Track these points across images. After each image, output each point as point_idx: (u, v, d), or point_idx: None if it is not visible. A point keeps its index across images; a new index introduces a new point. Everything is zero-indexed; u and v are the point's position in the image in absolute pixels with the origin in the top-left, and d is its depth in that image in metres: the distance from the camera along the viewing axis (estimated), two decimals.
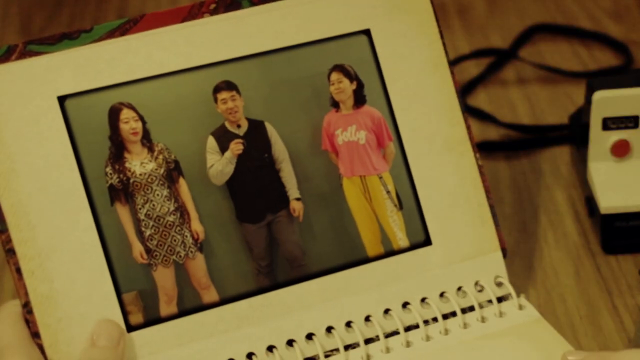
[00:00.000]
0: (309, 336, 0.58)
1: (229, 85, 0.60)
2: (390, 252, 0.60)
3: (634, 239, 0.69)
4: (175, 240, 0.58)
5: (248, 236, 0.59)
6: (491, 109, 0.86)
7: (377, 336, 0.59)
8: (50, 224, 0.56)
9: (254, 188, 0.60)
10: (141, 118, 0.58)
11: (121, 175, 0.58)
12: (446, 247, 0.61)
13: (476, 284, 0.61)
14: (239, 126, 0.60)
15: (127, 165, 0.58)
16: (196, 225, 0.58)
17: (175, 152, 0.59)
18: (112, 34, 0.59)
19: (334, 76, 0.61)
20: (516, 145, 0.82)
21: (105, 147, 0.58)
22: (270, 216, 0.60)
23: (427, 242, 0.61)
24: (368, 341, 0.59)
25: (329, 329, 0.59)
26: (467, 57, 0.93)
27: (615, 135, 0.70)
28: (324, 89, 0.61)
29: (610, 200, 0.68)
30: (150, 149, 0.58)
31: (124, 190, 0.58)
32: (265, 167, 0.60)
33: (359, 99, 0.62)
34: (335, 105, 0.61)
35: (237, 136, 0.60)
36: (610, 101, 0.69)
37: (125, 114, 0.58)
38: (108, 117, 0.58)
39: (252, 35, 0.60)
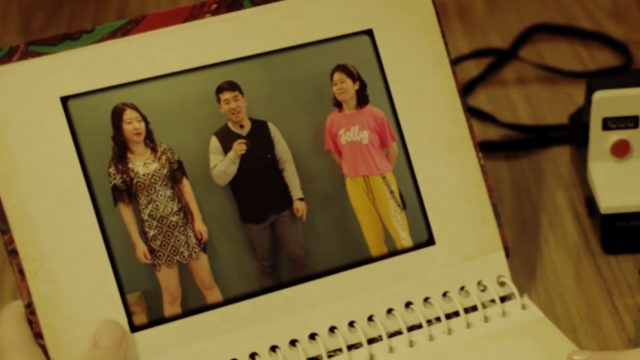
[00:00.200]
0: (312, 336, 0.58)
1: (231, 86, 0.60)
2: (394, 252, 0.60)
3: (634, 239, 0.69)
4: (178, 241, 0.58)
5: (251, 236, 0.59)
6: (491, 109, 0.87)
7: (380, 336, 0.59)
8: (53, 224, 0.56)
9: (257, 188, 0.60)
10: (144, 118, 0.58)
11: (124, 176, 0.58)
12: (449, 247, 0.61)
13: (479, 283, 0.61)
14: (241, 126, 0.60)
15: (130, 165, 0.58)
16: (200, 226, 0.58)
17: (179, 152, 0.59)
18: (113, 34, 0.59)
19: (337, 76, 0.61)
20: (516, 145, 0.82)
21: (108, 147, 0.58)
22: (274, 216, 0.60)
23: (430, 241, 0.61)
24: (371, 341, 0.59)
25: (332, 329, 0.59)
26: (467, 57, 0.93)
27: (615, 135, 0.70)
28: (326, 89, 0.61)
29: (610, 200, 0.68)
30: (154, 150, 0.59)
31: (127, 191, 0.58)
32: (268, 167, 0.60)
33: (362, 99, 0.62)
34: (338, 105, 0.61)
35: (240, 136, 0.60)
36: (610, 101, 0.69)
37: (128, 114, 0.58)
38: (111, 117, 0.58)
39: (254, 36, 0.60)
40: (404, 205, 0.61)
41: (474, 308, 0.60)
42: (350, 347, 0.58)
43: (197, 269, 0.58)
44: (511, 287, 0.61)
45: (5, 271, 0.73)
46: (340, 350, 0.58)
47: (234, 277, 0.58)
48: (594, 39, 0.95)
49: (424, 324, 0.59)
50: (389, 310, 0.59)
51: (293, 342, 0.58)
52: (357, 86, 0.61)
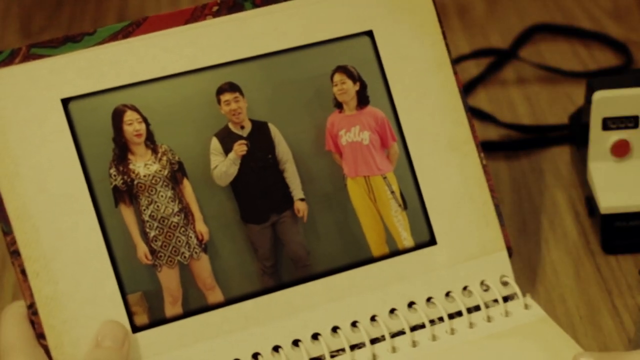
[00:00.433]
0: (315, 336, 0.58)
1: (232, 87, 0.60)
2: (395, 252, 0.60)
3: (634, 239, 0.69)
4: (179, 241, 0.58)
5: (252, 237, 0.59)
6: (491, 109, 0.87)
7: (383, 336, 0.59)
8: (55, 225, 0.56)
9: (258, 189, 0.60)
10: (145, 120, 0.58)
11: (125, 177, 0.58)
12: (451, 247, 0.61)
13: (482, 283, 0.61)
14: (242, 127, 0.60)
15: (131, 166, 0.58)
16: (200, 226, 0.59)
17: (179, 153, 0.59)
18: (115, 36, 0.59)
19: (337, 77, 0.61)
20: (516, 145, 0.82)
21: (109, 149, 0.58)
22: (275, 217, 0.60)
23: (432, 241, 0.61)
24: (374, 341, 0.59)
25: (335, 329, 0.59)
26: (467, 57, 0.93)
27: (615, 135, 0.70)
28: (327, 90, 0.61)
29: (610, 200, 0.68)
30: (154, 151, 0.59)
31: (128, 192, 0.58)
32: (269, 167, 0.60)
33: (362, 100, 0.62)
34: (339, 106, 0.61)
35: (240, 137, 0.60)
36: (610, 101, 0.69)
37: (129, 115, 0.58)
38: (112, 119, 0.58)
39: (255, 37, 0.60)
40: (405, 206, 0.61)
41: (477, 308, 0.60)
42: (353, 347, 0.58)
43: (198, 270, 0.58)
44: (514, 287, 0.61)
45: (6, 271, 0.73)
46: (343, 350, 0.58)
47: (235, 277, 0.58)
48: (594, 39, 0.95)
49: (427, 323, 0.59)
50: (392, 310, 0.59)
51: (296, 342, 0.58)
52: (357, 87, 0.62)
